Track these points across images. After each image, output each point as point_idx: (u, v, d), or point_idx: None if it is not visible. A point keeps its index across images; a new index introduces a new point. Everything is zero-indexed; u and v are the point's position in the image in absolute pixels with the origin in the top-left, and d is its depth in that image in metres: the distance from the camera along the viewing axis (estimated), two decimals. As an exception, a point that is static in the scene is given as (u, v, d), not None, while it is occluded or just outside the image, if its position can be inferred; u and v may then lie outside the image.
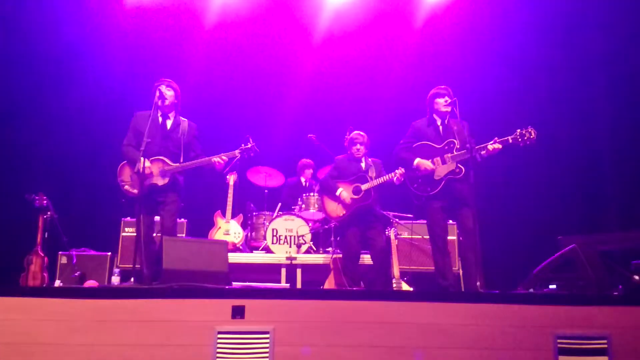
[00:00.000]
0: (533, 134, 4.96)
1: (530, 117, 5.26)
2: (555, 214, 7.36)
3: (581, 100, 7.79)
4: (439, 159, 5.23)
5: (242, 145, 5.55)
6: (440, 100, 5.33)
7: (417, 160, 5.31)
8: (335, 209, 5.99)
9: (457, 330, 3.68)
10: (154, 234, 5.37)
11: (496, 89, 7.89)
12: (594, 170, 7.62)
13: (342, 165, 6.14)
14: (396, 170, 5.64)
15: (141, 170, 4.93)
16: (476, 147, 5.01)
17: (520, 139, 5.00)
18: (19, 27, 7.70)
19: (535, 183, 7.85)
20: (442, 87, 5.42)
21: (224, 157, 5.37)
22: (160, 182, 5.19)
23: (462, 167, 5.12)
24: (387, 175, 5.76)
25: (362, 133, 6.09)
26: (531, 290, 4.61)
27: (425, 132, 5.41)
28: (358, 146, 6.04)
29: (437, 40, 8.24)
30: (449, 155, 5.18)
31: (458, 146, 5.17)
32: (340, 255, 6.15)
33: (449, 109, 5.29)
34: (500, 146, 5.05)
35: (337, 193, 5.94)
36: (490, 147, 5.04)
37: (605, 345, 3.68)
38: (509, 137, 5.03)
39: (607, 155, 7.54)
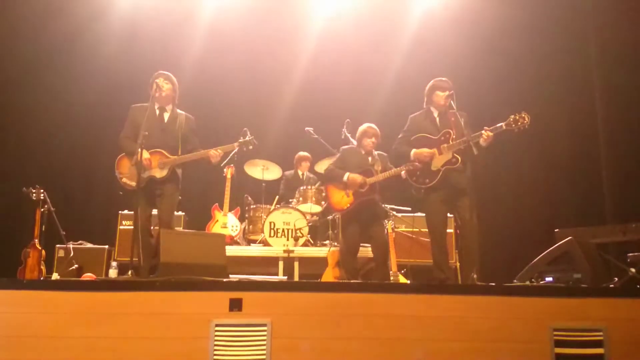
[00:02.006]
0: (527, 118, 4.93)
1: (526, 110, 5.26)
2: (552, 207, 7.38)
3: (577, 93, 7.81)
4: (435, 149, 5.23)
5: (241, 138, 5.53)
6: (441, 94, 5.31)
7: (413, 151, 5.31)
8: (340, 201, 5.88)
9: (454, 323, 3.69)
10: (152, 227, 5.37)
11: (491, 81, 7.90)
12: (590, 163, 7.64)
13: (348, 157, 6.01)
14: (404, 165, 5.54)
15: (139, 160, 4.91)
16: (472, 136, 5.01)
17: (513, 124, 4.97)
18: (14, 19, 7.67)
19: (531, 176, 7.87)
20: (443, 79, 5.37)
21: (219, 150, 5.34)
22: (159, 174, 5.19)
23: (458, 157, 5.11)
24: (394, 169, 5.64)
25: (374, 126, 5.96)
26: (527, 282, 4.62)
27: (422, 124, 5.40)
28: (373, 139, 5.90)
29: (433, 32, 8.23)
30: (445, 145, 5.18)
31: (454, 136, 5.16)
32: (338, 248, 6.16)
33: (448, 102, 5.27)
34: (492, 133, 5.02)
35: (345, 177, 5.76)
36: (484, 134, 5.02)
37: (602, 337, 3.69)
38: (502, 124, 5.02)
39: (603, 147, 7.56)
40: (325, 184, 6.26)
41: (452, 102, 5.20)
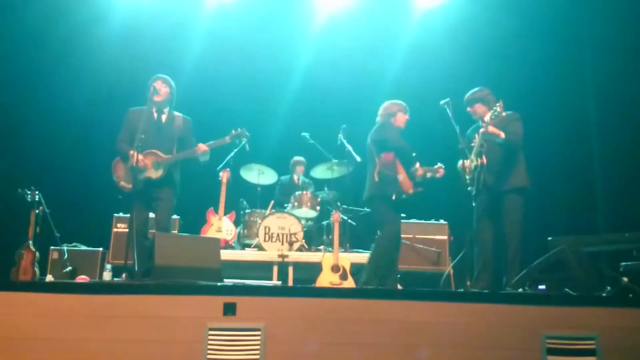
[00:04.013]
0: (501, 104, 4.96)
1: (520, 117, 5.31)
2: (545, 215, 7.40)
3: (571, 103, 7.85)
4: (472, 156, 5.26)
5: (232, 131, 5.51)
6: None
7: (459, 163, 5.35)
8: (407, 182, 5.43)
9: (447, 329, 3.70)
10: (148, 230, 5.36)
11: (486, 87, 7.93)
12: (583, 172, 7.67)
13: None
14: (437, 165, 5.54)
15: (134, 164, 4.91)
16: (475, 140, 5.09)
17: (495, 115, 5.00)
18: (10, 20, 7.67)
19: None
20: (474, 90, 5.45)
21: (204, 147, 5.30)
22: (154, 175, 5.17)
23: (479, 160, 5.08)
24: (428, 168, 5.53)
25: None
26: (520, 290, 4.64)
27: (470, 136, 5.43)
28: (407, 116, 5.64)
29: (430, 38, 8.27)
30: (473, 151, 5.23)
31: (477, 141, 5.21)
32: (332, 254, 6.16)
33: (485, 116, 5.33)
34: (484, 129, 5.06)
35: (415, 167, 5.45)
36: (481, 131, 5.09)
37: (594, 346, 3.71)
38: (487, 117, 5.06)
39: (596, 156, 7.60)
40: (395, 158, 5.46)
41: (447, 108, 5.26)
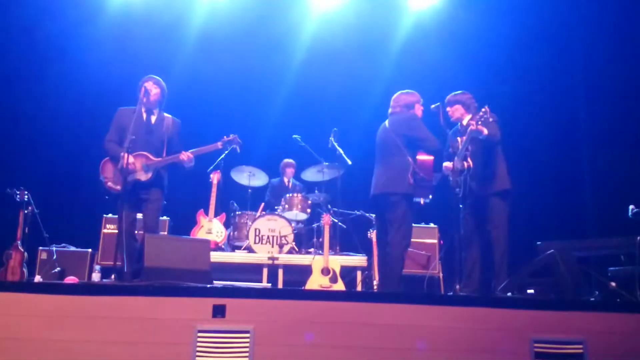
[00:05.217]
0: (487, 110, 4.97)
1: (510, 123, 5.33)
2: (534, 220, 7.45)
3: (561, 108, 7.91)
4: (456, 160, 5.26)
5: (225, 137, 5.51)
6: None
7: (443, 165, 5.36)
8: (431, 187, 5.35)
9: (435, 333, 3.72)
10: (137, 231, 5.34)
11: (477, 92, 7.97)
12: (573, 177, 7.73)
13: None
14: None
15: (124, 166, 4.88)
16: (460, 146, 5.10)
17: (482, 119, 5.01)
18: (2, 22, 7.64)
19: (514, 188, 7.92)
20: (461, 94, 5.46)
21: (187, 155, 5.28)
22: (144, 177, 5.16)
23: (466, 163, 5.09)
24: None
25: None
26: (509, 294, 4.66)
27: (452, 139, 5.43)
28: (422, 107, 5.41)
29: (422, 42, 8.31)
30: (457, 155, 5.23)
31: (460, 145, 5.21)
32: (321, 254, 6.17)
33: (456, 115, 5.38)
34: (474, 127, 5.03)
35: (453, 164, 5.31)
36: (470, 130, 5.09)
37: (581, 350, 3.73)
38: (472, 122, 5.07)
39: (586, 161, 7.65)
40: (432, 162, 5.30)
41: (438, 112, 5.28)
